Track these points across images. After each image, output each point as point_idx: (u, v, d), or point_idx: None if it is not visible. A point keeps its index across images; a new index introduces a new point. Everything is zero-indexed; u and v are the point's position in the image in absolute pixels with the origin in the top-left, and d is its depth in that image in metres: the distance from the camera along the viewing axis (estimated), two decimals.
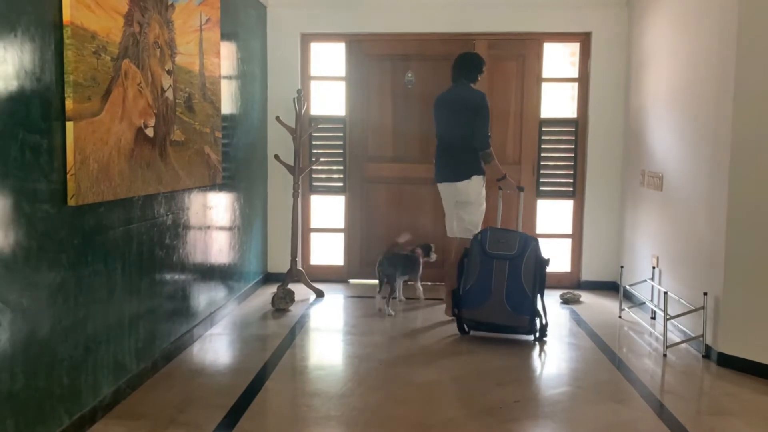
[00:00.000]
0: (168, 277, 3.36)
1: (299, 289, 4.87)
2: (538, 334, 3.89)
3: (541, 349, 3.79)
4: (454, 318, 4.11)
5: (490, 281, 3.87)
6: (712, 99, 3.55)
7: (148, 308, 3.14)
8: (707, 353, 3.56)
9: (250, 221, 4.81)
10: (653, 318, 4.29)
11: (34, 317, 2.24)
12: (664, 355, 3.63)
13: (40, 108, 2.24)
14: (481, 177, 4.33)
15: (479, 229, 4.28)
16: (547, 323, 3.91)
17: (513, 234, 4.05)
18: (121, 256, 2.84)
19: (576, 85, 5.24)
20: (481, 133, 4.27)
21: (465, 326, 4.01)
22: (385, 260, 4.49)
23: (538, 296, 3.91)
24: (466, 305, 3.95)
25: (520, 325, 3.86)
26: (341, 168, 5.37)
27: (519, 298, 3.83)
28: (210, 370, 3.38)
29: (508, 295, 3.83)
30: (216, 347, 3.74)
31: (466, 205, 4.36)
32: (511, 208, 4.87)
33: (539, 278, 3.90)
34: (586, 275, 5.26)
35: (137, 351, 3.02)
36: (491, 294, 3.86)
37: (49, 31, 2.29)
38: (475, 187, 4.32)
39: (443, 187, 4.47)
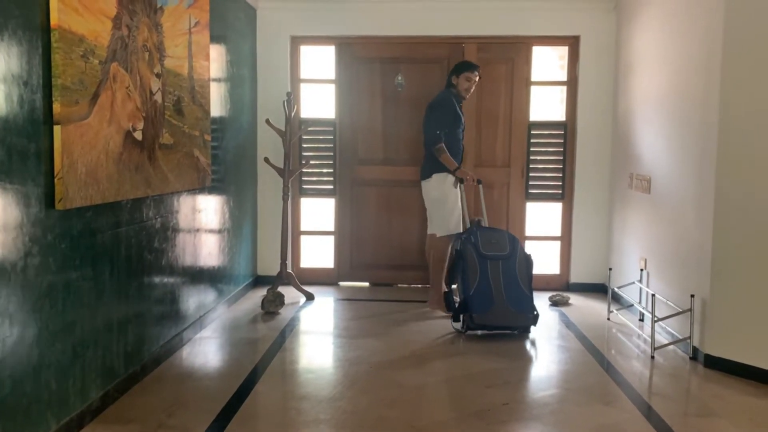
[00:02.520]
0: (157, 280, 3.35)
1: (289, 292, 4.86)
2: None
3: (531, 352, 3.81)
4: (446, 312, 4.29)
5: (489, 283, 3.97)
6: (699, 102, 3.59)
7: (137, 312, 3.13)
8: (694, 355, 3.59)
9: (239, 224, 4.80)
10: (641, 320, 4.32)
11: (22, 321, 2.23)
12: (652, 357, 3.65)
13: (27, 112, 2.23)
14: (443, 174, 4.50)
15: (456, 229, 4.46)
16: (538, 314, 4.05)
17: (501, 233, 4.20)
18: (109, 259, 2.83)
19: (565, 88, 5.27)
20: (429, 130, 4.51)
21: (466, 326, 4.01)
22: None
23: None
24: (475, 310, 3.95)
25: (524, 324, 3.99)
26: (331, 171, 5.37)
27: (519, 297, 3.99)
28: (199, 373, 3.37)
29: (509, 297, 3.95)
30: (205, 351, 3.73)
31: (435, 204, 4.57)
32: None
33: (530, 275, 4.07)
34: (574, 277, 5.29)
35: (126, 355, 3.01)
36: (493, 296, 3.95)
37: (37, 35, 2.28)
38: (435, 185, 4.53)
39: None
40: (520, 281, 4.00)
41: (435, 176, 4.50)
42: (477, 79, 4.63)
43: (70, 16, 2.41)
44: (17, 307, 2.20)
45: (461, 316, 4.05)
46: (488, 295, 3.94)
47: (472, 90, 4.63)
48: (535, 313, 4.00)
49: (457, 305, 4.13)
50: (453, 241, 4.46)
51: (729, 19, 3.30)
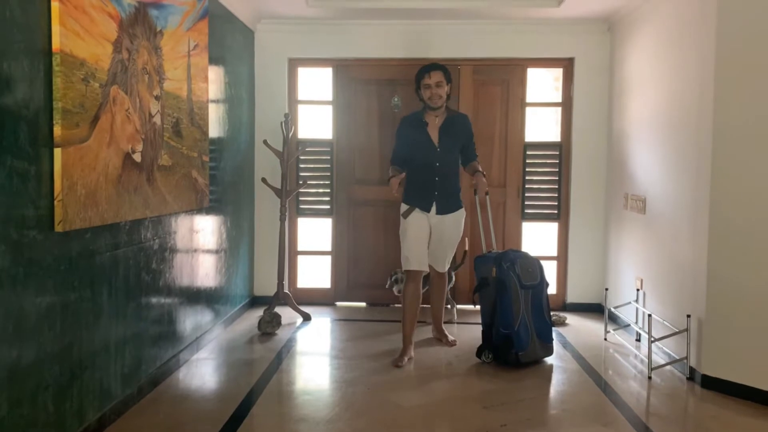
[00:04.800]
0: (154, 301, 3.35)
1: (286, 313, 4.86)
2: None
3: (528, 372, 3.80)
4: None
5: (525, 315, 3.79)
6: (693, 123, 3.63)
7: (134, 333, 3.12)
8: (691, 375, 3.59)
9: (236, 244, 4.80)
10: (638, 340, 4.32)
11: (20, 343, 2.23)
12: (649, 378, 3.65)
13: (28, 134, 2.25)
14: (402, 204, 4.12)
15: (407, 262, 3.97)
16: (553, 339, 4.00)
17: (533, 260, 3.91)
18: (107, 281, 2.83)
19: (560, 109, 5.32)
20: None
21: (494, 357, 3.85)
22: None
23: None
24: (521, 347, 3.75)
25: (548, 355, 3.91)
26: (328, 191, 5.39)
27: (544, 328, 3.86)
28: (196, 395, 3.36)
29: (536, 327, 3.82)
30: (202, 372, 3.72)
31: None
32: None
33: (548, 301, 3.96)
34: (571, 297, 5.30)
35: (123, 376, 3.00)
36: (528, 329, 3.79)
37: (39, 59, 2.31)
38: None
39: None
40: (545, 310, 3.86)
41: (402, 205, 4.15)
42: (437, 79, 3.92)
43: (71, 40, 2.44)
44: (16, 329, 2.20)
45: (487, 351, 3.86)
46: (527, 329, 3.77)
47: (437, 93, 3.93)
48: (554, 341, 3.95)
49: (492, 339, 3.84)
50: (482, 266, 3.96)
51: (721, 39, 3.36)
